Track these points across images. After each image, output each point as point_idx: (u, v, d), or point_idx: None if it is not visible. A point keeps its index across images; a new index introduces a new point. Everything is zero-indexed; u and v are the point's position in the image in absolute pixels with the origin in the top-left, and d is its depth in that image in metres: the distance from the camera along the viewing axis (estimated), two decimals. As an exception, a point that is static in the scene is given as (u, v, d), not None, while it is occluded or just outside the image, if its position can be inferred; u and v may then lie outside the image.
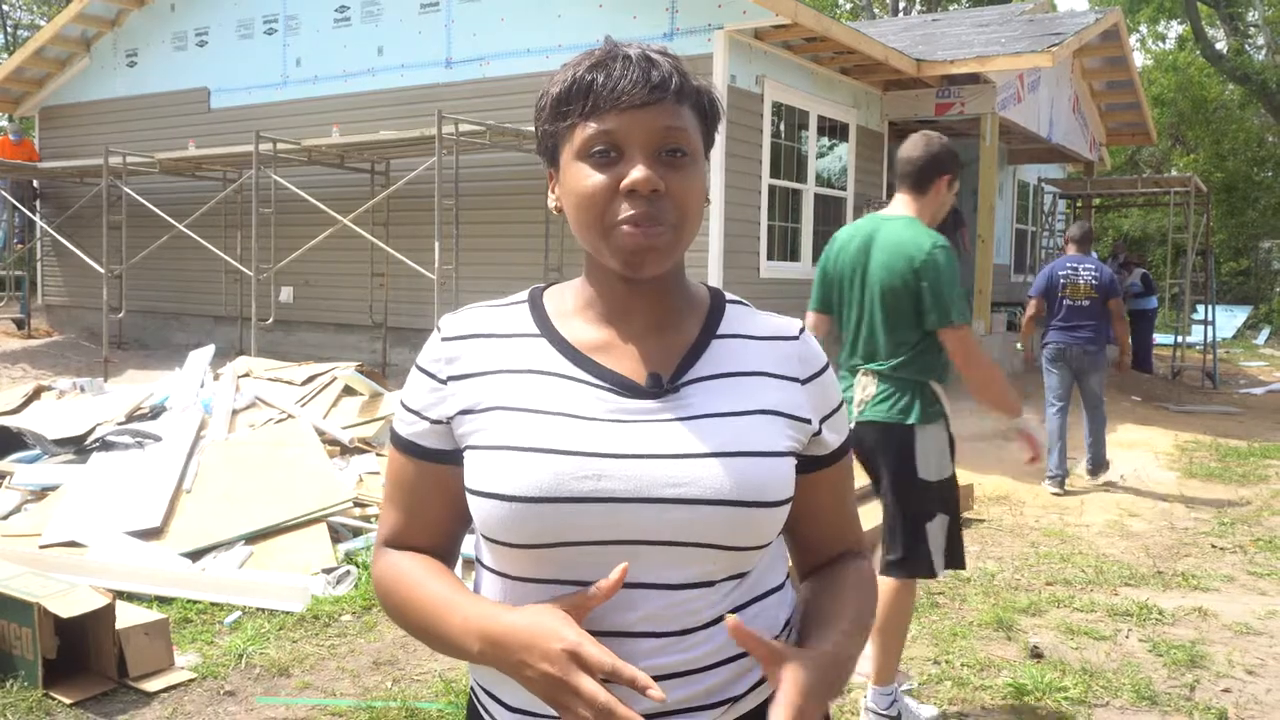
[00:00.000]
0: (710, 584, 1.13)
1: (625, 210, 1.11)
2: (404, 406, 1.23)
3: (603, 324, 1.20)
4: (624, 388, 1.15)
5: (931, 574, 3.36)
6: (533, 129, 1.22)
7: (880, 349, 3.33)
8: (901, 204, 3.44)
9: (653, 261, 1.13)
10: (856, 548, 1.33)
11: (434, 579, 1.18)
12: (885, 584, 3.31)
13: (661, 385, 1.16)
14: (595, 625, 1.10)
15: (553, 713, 1.11)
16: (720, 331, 1.22)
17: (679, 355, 1.19)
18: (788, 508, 1.17)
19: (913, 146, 3.42)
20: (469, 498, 1.15)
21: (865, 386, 3.36)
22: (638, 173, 1.10)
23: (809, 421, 1.21)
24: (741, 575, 1.16)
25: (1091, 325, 7.44)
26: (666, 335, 1.20)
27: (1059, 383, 7.58)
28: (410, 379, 1.23)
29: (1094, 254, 8.22)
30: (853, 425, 3.29)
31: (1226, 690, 3.89)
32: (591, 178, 1.12)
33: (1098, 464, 7.72)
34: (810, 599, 1.26)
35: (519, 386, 1.16)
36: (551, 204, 1.21)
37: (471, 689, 1.26)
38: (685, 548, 1.11)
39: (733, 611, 1.15)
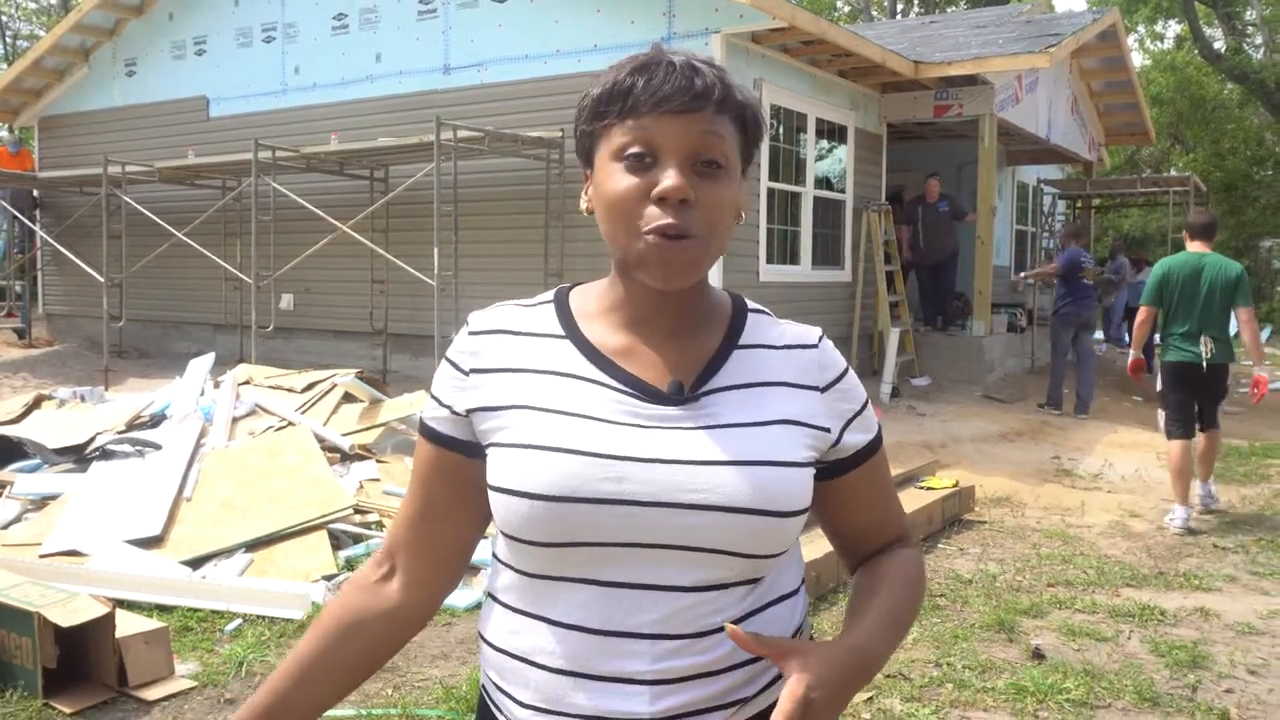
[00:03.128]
0: (724, 587, 1.14)
1: (654, 218, 1.11)
2: (431, 395, 1.26)
3: (626, 328, 1.21)
4: (646, 394, 1.17)
5: (1218, 425, 6.68)
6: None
7: (1215, 324, 6.29)
8: (1202, 245, 6.50)
9: (678, 275, 1.14)
10: (901, 536, 1.32)
11: (303, 644, 1.23)
12: (1210, 435, 6.58)
13: (683, 393, 1.17)
14: (611, 627, 1.12)
15: (569, 710, 1.13)
16: (742, 341, 1.23)
17: (701, 364, 1.20)
18: (803, 518, 1.18)
19: (1204, 217, 6.66)
20: (490, 495, 1.16)
21: (1207, 344, 6.27)
22: (669, 180, 1.10)
23: (828, 430, 1.22)
24: (755, 580, 1.17)
25: (1093, 297, 10.80)
26: (688, 343, 1.21)
27: (1070, 340, 10.41)
28: (438, 369, 1.27)
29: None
30: (1204, 365, 6.30)
31: (1229, 690, 3.88)
32: (624, 180, 1.13)
33: (1085, 402, 10.30)
34: (853, 593, 1.28)
35: (542, 387, 1.18)
36: (584, 205, 1.23)
37: (482, 686, 1.26)
38: (702, 553, 1.12)
39: (747, 616, 1.16)
